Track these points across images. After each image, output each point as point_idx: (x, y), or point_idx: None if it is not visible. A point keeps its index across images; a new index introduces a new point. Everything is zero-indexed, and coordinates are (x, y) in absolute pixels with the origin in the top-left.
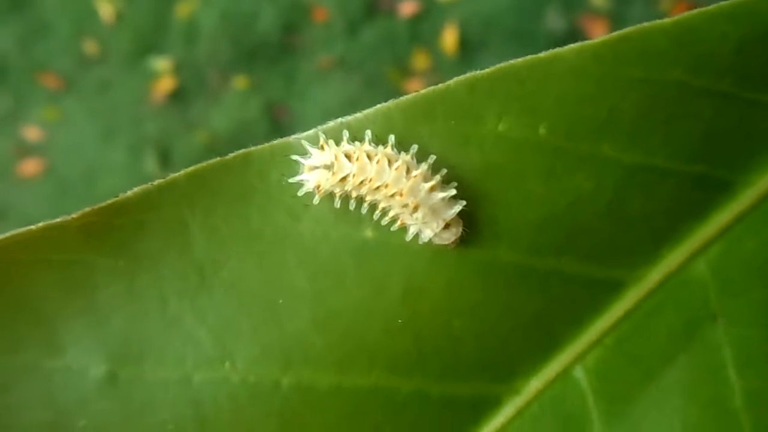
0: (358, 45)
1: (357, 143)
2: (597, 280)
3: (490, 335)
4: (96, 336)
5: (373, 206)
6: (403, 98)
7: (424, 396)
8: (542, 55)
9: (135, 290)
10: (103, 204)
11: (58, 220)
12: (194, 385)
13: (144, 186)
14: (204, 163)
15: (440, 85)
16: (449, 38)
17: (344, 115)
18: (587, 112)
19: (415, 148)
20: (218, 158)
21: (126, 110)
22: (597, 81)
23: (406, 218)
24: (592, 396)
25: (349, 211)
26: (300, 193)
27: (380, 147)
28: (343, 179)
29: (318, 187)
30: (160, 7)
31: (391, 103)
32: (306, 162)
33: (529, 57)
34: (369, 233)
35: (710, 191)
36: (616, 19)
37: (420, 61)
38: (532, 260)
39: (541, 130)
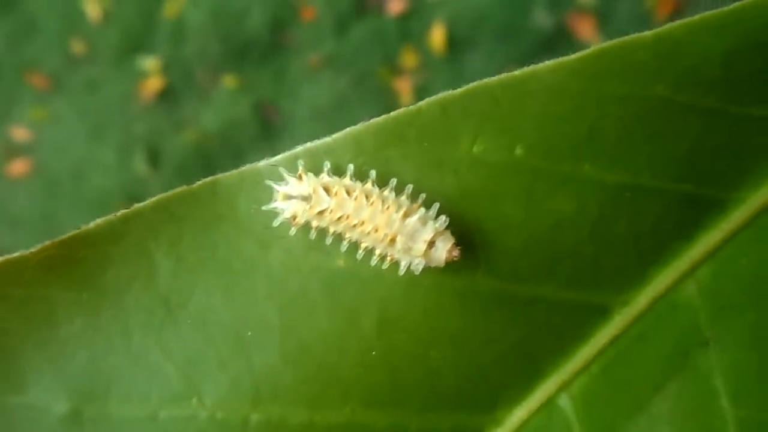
0: (346, 43)
1: (336, 177)
2: (581, 305)
3: (469, 365)
4: (59, 372)
5: (354, 244)
6: (373, 121)
7: (402, 430)
8: (517, 73)
9: (99, 324)
10: (64, 237)
11: (15, 255)
12: (160, 423)
13: (107, 217)
14: (170, 192)
15: (411, 107)
16: (437, 36)
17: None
18: (566, 131)
19: (394, 182)
20: (184, 187)
21: (114, 110)
22: (575, 99)
23: (391, 253)
24: (579, 425)
25: (320, 240)
26: (275, 223)
27: (359, 183)
28: (321, 213)
29: (294, 218)
30: (148, 6)
31: (361, 126)
32: (281, 189)
33: (503, 75)
34: (341, 263)
35: (699, 210)
36: (602, 17)
37: (409, 59)
38: (512, 287)
39: (518, 151)
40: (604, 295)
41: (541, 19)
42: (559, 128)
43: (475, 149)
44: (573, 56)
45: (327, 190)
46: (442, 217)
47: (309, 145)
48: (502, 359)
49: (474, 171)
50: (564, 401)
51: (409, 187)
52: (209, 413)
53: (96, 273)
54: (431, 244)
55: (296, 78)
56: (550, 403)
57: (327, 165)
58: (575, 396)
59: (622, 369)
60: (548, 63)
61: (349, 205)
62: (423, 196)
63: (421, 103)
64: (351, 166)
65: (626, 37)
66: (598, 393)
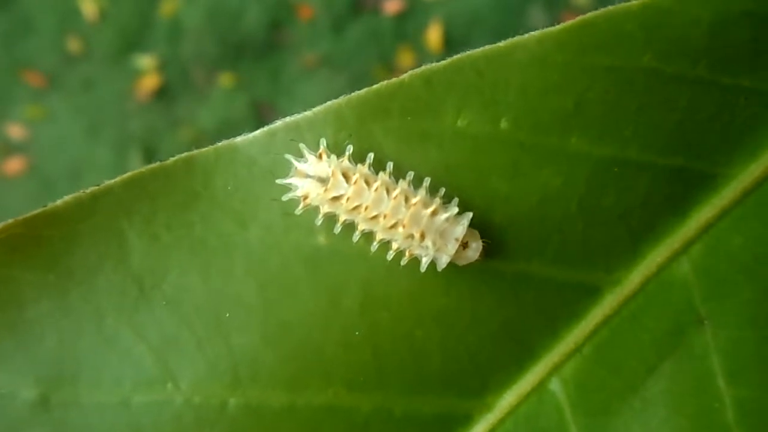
0: (343, 43)
1: (359, 165)
2: (571, 284)
3: (456, 346)
4: (26, 357)
5: (368, 236)
6: (354, 94)
7: (387, 414)
8: (501, 44)
9: (68, 306)
10: (29, 215)
11: None
12: (133, 409)
13: (75, 194)
14: (143, 168)
15: (394, 80)
16: (434, 36)
17: None
18: (552, 104)
19: (411, 174)
20: (158, 163)
21: (110, 108)
22: (561, 70)
23: (414, 249)
24: (570, 410)
25: (300, 216)
26: (284, 198)
27: (380, 173)
28: (336, 199)
29: (305, 197)
30: (144, 5)
31: (342, 99)
32: (299, 166)
33: (487, 47)
34: (322, 240)
35: (690, 185)
36: None
37: (405, 58)
38: (499, 264)
39: (503, 124)
40: (595, 273)
41: (537, 18)
42: (545, 100)
43: (459, 122)
44: (558, 26)
45: (345, 176)
46: (469, 214)
47: (288, 119)
48: (491, 340)
49: (458, 145)
50: (555, 385)
51: (428, 180)
52: (185, 398)
53: (64, 253)
54: (464, 244)
55: (292, 77)
56: (540, 386)
57: (350, 149)
58: (567, 379)
59: (615, 350)
60: (533, 33)
61: (368, 196)
62: (443, 190)
63: (404, 76)
64: (371, 155)
65: (613, 7)
66: (590, 376)
